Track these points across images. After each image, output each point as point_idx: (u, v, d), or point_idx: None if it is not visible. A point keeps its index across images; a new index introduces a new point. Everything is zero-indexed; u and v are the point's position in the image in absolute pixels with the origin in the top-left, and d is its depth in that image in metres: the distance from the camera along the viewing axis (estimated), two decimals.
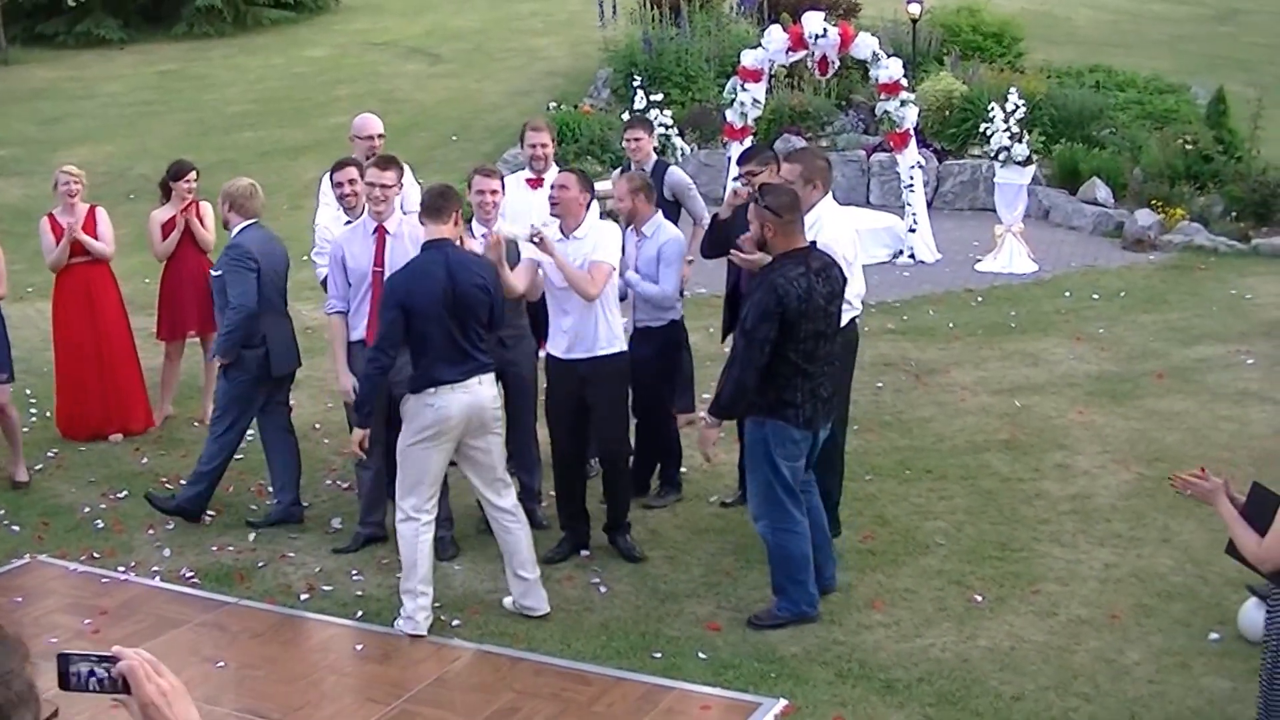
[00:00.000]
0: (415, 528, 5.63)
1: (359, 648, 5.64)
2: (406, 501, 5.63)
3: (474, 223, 6.55)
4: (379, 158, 6.55)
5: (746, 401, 5.42)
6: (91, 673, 2.13)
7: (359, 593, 6.13)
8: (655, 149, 7.85)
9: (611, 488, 6.45)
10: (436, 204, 5.63)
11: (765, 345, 5.31)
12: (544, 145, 7.24)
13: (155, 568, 6.45)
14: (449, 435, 5.59)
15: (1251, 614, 5.44)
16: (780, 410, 5.41)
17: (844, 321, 6.11)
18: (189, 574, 6.36)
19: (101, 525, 6.95)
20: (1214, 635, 5.46)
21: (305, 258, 8.88)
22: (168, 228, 8.17)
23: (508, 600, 5.90)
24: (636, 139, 7.49)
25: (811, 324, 5.37)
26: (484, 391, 5.65)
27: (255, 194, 6.90)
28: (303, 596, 6.11)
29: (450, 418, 5.55)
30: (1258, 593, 5.49)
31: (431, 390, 5.53)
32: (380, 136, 7.37)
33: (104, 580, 6.31)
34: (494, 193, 6.44)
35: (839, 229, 6.01)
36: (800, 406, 5.42)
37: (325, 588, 6.19)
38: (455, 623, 5.78)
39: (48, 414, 8.38)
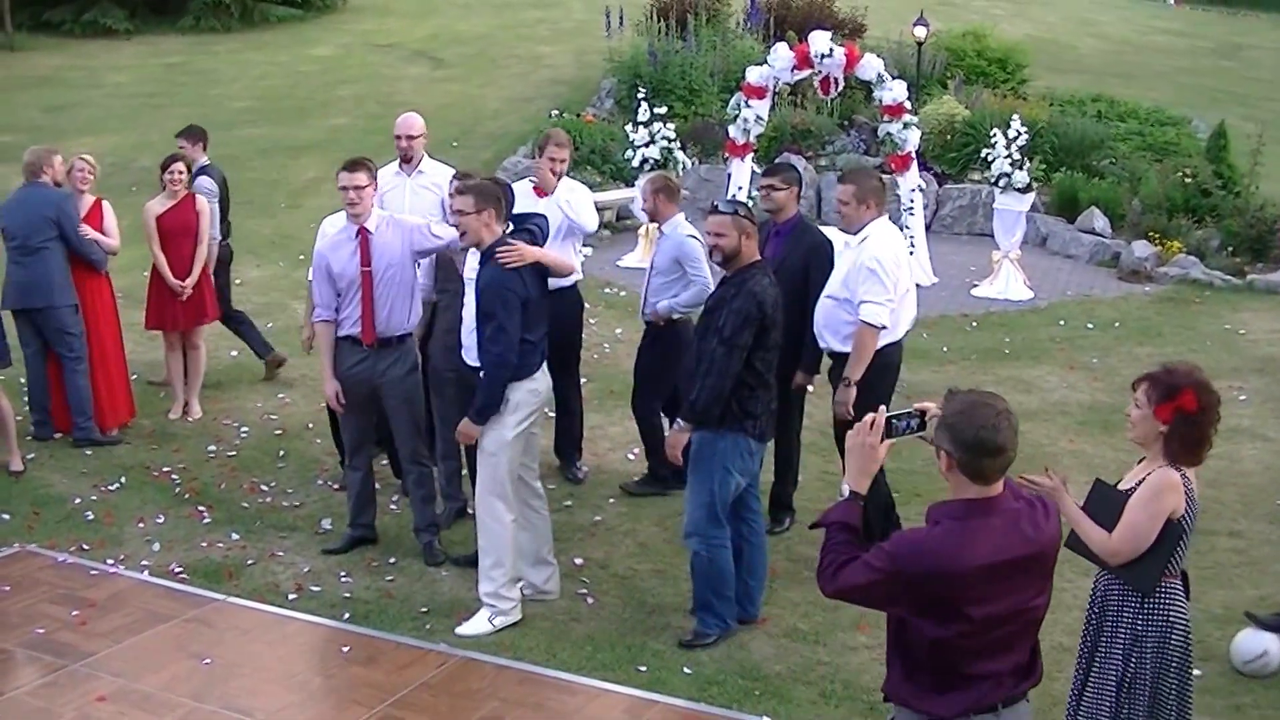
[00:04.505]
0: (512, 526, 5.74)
1: (345, 649, 5.65)
2: (512, 495, 5.71)
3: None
4: (348, 160, 6.37)
5: (720, 409, 5.45)
6: (907, 425, 3.31)
7: (347, 594, 6.14)
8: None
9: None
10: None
11: (744, 352, 5.38)
12: (563, 162, 7.22)
13: (144, 561, 6.46)
14: (542, 414, 5.84)
15: (1247, 639, 5.46)
16: (741, 422, 5.46)
17: (882, 344, 6.09)
18: (178, 569, 6.37)
19: (92, 517, 6.95)
20: (1195, 671, 5.47)
21: (301, 256, 8.86)
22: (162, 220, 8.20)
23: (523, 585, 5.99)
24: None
25: (777, 334, 5.51)
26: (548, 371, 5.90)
27: (37, 159, 7.79)
28: (291, 596, 6.12)
29: (545, 398, 5.80)
30: (1260, 621, 5.53)
31: (537, 375, 5.71)
32: (410, 138, 7.34)
33: (93, 572, 6.32)
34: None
35: (885, 247, 6.04)
36: (759, 418, 5.52)
37: (314, 588, 6.20)
38: (442, 629, 5.80)
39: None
